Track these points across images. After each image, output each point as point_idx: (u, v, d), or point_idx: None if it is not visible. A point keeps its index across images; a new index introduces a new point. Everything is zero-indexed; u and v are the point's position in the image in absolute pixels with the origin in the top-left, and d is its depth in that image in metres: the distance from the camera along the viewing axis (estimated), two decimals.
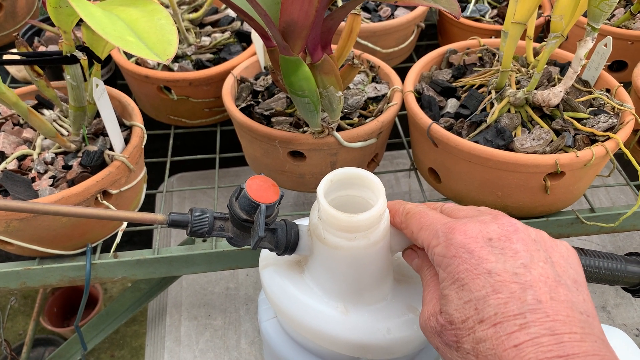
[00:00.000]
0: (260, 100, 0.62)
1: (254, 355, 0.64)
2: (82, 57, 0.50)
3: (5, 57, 0.52)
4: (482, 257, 0.31)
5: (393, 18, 0.78)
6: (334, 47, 0.54)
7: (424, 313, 0.35)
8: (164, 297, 0.71)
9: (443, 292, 0.33)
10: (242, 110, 0.60)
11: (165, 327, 0.68)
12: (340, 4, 0.79)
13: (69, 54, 0.48)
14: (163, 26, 0.34)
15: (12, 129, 0.59)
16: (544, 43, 0.66)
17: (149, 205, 0.62)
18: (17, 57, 0.52)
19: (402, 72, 0.65)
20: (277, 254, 0.40)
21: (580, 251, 0.47)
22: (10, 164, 0.55)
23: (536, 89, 0.56)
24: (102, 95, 0.50)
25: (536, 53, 0.65)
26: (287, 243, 0.39)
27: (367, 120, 0.58)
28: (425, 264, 0.38)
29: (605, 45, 0.57)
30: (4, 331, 1.09)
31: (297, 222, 0.43)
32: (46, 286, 0.56)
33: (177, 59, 0.71)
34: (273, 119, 0.59)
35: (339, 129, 0.57)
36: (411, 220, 0.37)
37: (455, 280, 0.32)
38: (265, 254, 0.45)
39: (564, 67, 0.63)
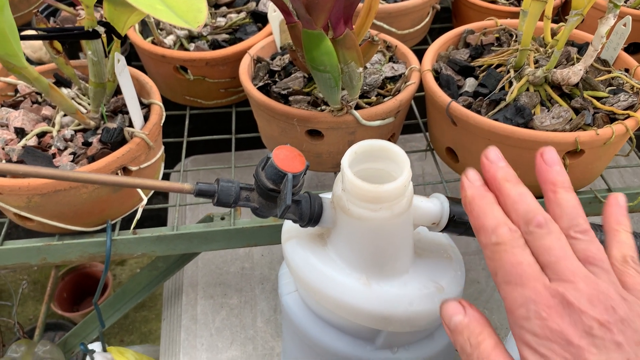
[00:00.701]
0: (277, 79, 0.62)
1: (270, 334, 0.65)
2: (102, 32, 0.50)
3: (26, 33, 0.52)
4: (581, 348, 0.27)
5: None
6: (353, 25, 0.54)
7: None
8: (180, 276, 0.72)
9: None
10: (260, 89, 0.60)
11: (181, 305, 0.68)
12: None
13: (90, 29, 0.49)
14: None
15: (31, 106, 0.60)
16: (561, 24, 0.66)
17: None
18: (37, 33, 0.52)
19: (417, 54, 0.65)
20: (300, 225, 0.41)
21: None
22: (31, 141, 0.55)
23: (555, 67, 0.56)
24: (123, 71, 0.51)
25: (553, 34, 0.65)
26: (310, 214, 0.40)
27: (385, 100, 0.58)
28: (478, 333, 0.32)
29: (625, 25, 0.57)
30: (16, 315, 1.11)
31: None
32: (66, 262, 0.56)
33: (193, 39, 0.71)
34: (291, 98, 0.59)
35: (357, 107, 0.57)
36: (500, 257, 0.31)
37: None
38: (288, 227, 0.45)
39: (581, 48, 0.62)
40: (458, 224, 0.42)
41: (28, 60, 0.84)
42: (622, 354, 0.27)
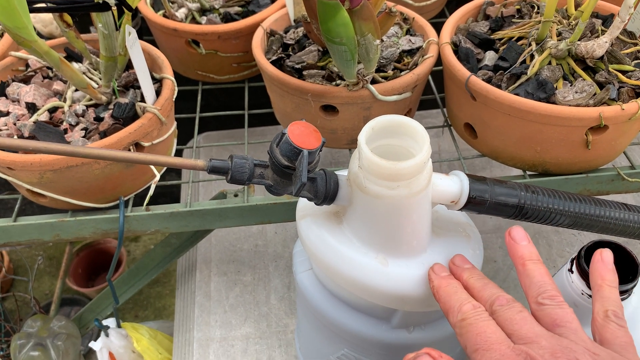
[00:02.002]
0: (290, 53, 0.61)
1: (284, 311, 0.65)
2: (113, 3, 0.48)
3: (35, 5, 0.51)
4: None
5: None
6: None
7: None
8: (194, 253, 0.71)
9: None
10: (273, 63, 0.59)
11: (195, 282, 0.68)
12: None
13: (101, 1, 0.47)
14: None
15: (42, 81, 0.59)
16: None
17: None
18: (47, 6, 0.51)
19: (435, 26, 0.63)
20: (315, 203, 0.40)
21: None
22: (42, 116, 0.54)
23: (579, 41, 0.54)
24: (134, 44, 0.50)
25: (577, 5, 0.62)
26: (326, 192, 0.39)
27: (402, 74, 0.57)
28: None
29: None
30: (32, 290, 1.12)
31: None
32: (79, 238, 0.56)
33: (205, 12, 0.70)
34: (305, 72, 0.57)
35: (373, 81, 0.55)
36: (466, 331, 0.34)
37: None
38: (303, 204, 0.44)
39: (606, 20, 0.60)
40: (477, 202, 0.41)
41: (39, 34, 0.83)
42: None
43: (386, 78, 0.56)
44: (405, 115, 0.62)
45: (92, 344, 0.73)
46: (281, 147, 0.36)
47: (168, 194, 1.12)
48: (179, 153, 0.65)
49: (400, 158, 0.39)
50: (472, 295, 0.37)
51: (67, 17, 0.53)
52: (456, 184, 0.40)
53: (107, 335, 0.72)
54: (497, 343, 0.32)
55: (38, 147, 0.32)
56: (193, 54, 0.68)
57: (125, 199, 0.56)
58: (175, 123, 0.60)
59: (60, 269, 1.24)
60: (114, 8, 0.49)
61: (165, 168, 0.60)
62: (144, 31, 0.80)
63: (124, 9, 0.50)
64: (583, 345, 0.31)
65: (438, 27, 0.62)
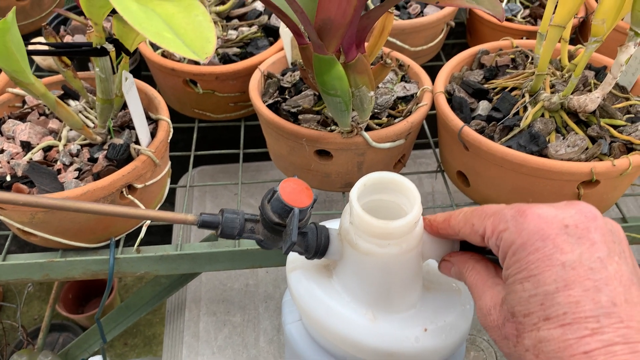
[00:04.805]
0: (287, 96, 0.61)
1: (273, 354, 0.64)
2: (111, 49, 0.49)
3: (35, 47, 0.51)
4: (557, 246, 0.28)
5: (422, 16, 0.76)
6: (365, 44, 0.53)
7: (482, 307, 0.33)
8: (183, 291, 0.71)
9: (508, 282, 0.30)
10: (269, 106, 0.59)
11: (184, 321, 0.67)
12: (370, 3, 0.78)
13: (99, 46, 0.48)
14: (200, 23, 0.34)
15: (38, 119, 0.59)
16: (579, 46, 0.64)
17: (169, 197, 0.61)
18: (46, 47, 0.52)
19: (430, 70, 0.64)
20: (306, 257, 0.40)
21: None
22: (36, 155, 0.54)
23: (572, 93, 0.55)
24: (130, 89, 0.50)
25: (570, 56, 0.63)
26: (317, 247, 0.39)
27: (395, 121, 0.57)
28: (464, 263, 0.37)
29: None
30: (20, 316, 1.11)
31: (326, 224, 0.42)
32: (69, 279, 0.56)
33: None
34: (300, 117, 0.58)
35: (368, 128, 0.56)
36: (475, 213, 0.34)
37: (522, 269, 0.29)
38: (294, 257, 0.44)
39: (599, 71, 0.61)
40: None
41: (38, 67, 0.83)
42: (595, 253, 0.28)
43: (380, 125, 0.57)
44: (399, 160, 0.62)
45: None
46: (272, 204, 0.36)
47: (161, 225, 1.12)
48: (172, 192, 0.65)
49: (391, 213, 0.40)
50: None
51: (66, 58, 0.54)
52: (447, 241, 0.40)
53: None
54: (507, 206, 0.32)
55: (29, 202, 0.32)
56: (190, 92, 0.69)
57: (116, 238, 0.56)
58: (169, 163, 0.61)
59: (50, 294, 1.22)
60: (113, 50, 0.50)
61: (158, 205, 0.60)
62: (142, 66, 0.81)
63: (123, 53, 0.50)
64: None
65: (433, 70, 0.63)
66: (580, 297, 0.27)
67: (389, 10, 0.51)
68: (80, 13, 0.79)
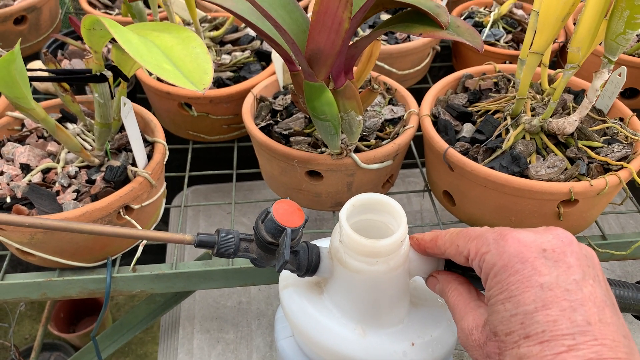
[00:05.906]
0: (279, 119, 0.63)
1: None
2: (110, 75, 0.51)
3: (36, 73, 0.53)
4: (535, 269, 0.30)
5: (409, 41, 0.79)
6: (354, 69, 0.55)
7: (463, 328, 0.35)
8: (177, 309, 0.72)
9: (490, 302, 0.32)
10: (262, 129, 0.61)
11: (177, 339, 0.69)
12: (360, 30, 0.81)
13: (98, 73, 0.50)
14: (198, 55, 0.36)
15: (37, 141, 0.61)
16: (558, 70, 0.67)
17: (163, 216, 0.63)
18: (46, 73, 0.54)
19: (417, 93, 0.66)
20: (298, 275, 0.41)
21: None
22: (35, 177, 0.56)
23: (551, 116, 0.57)
24: (128, 114, 0.52)
25: (551, 80, 0.66)
26: (308, 265, 0.40)
27: (383, 142, 0.59)
28: (447, 283, 0.39)
29: (620, 75, 0.59)
30: (13, 335, 1.11)
31: (317, 243, 0.44)
32: (66, 297, 0.57)
33: None
34: (292, 139, 0.60)
35: (357, 150, 0.58)
36: (460, 235, 0.36)
37: (503, 290, 0.31)
38: (286, 274, 0.46)
39: (577, 95, 0.64)
40: None
41: (35, 90, 0.85)
42: (571, 275, 0.30)
43: (369, 146, 0.59)
44: (387, 180, 0.65)
45: None
46: (266, 225, 0.38)
47: (154, 243, 1.13)
48: (166, 211, 0.66)
49: (379, 232, 0.42)
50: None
51: (65, 83, 0.56)
52: (433, 259, 0.42)
53: None
54: (489, 229, 0.34)
55: (33, 224, 0.34)
56: (185, 115, 0.71)
57: (113, 258, 0.58)
58: (164, 184, 0.62)
59: (41, 313, 1.22)
60: (111, 76, 0.52)
61: (154, 225, 0.62)
62: (138, 89, 0.83)
63: (121, 79, 0.52)
64: None
65: (420, 93, 0.65)
66: (558, 316, 0.29)
67: (377, 38, 0.53)
68: (77, 38, 0.81)
